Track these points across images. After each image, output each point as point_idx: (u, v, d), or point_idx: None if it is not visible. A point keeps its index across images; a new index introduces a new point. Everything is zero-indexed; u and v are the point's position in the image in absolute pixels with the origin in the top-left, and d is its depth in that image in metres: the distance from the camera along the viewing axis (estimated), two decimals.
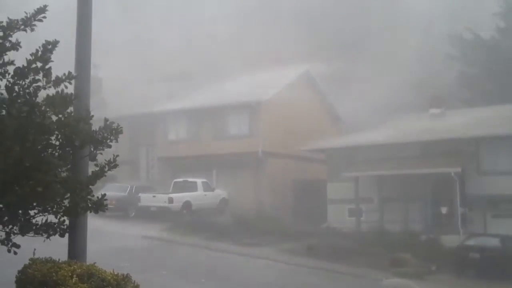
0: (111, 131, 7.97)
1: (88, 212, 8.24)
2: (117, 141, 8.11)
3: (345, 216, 30.68)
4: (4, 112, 7.26)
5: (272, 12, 50.69)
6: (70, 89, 8.01)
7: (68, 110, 7.83)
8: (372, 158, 30.30)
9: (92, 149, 8.09)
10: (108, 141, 8.01)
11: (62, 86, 7.68)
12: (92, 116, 8.08)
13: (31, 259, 8.19)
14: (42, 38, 7.78)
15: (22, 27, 7.44)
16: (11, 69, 7.51)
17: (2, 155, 6.98)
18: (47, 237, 8.02)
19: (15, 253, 7.69)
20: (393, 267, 23.10)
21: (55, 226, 8.04)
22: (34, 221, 7.95)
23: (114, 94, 42.85)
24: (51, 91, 7.63)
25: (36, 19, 7.47)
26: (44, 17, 7.48)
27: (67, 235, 8.39)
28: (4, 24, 7.37)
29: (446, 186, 27.83)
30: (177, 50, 50.02)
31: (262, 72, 38.57)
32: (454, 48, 47.50)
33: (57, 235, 8.16)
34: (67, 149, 7.87)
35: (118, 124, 8.09)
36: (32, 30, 7.46)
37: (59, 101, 7.51)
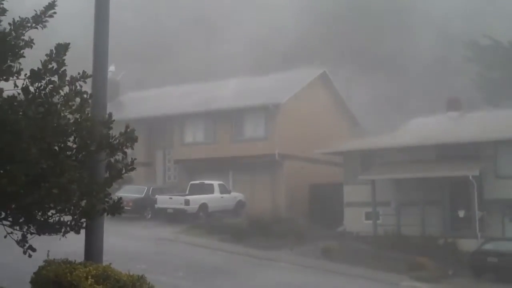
0: (127, 138, 8.02)
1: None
2: (132, 148, 8.15)
3: (362, 219, 30.50)
4: (20, 114, 7.24)
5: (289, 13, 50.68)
6: (87, 90, 8.06)
7: (85, 112, 7.88)
8: (389, 161, 30.12)
9: (107, 155, 8.12)
10: (124, 147, 8.05)
11: (77, 85, 7.73)
12: (113, 120, 8.07)
13: (45, 261, 8.24)
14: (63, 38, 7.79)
15: (34, 24, 7.47)
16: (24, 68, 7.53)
17: (19, 157, 7.00)
18: (63, 235, 8.06)
19: (30, 256, 7.73)
20: (410, 271, 22.97)
21: (71, 224, 8.06)
22: (51, 220, 8.00)
23: (131, 96, 43.07)
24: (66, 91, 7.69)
25: (47, 15, 7.51)
26: (54, 12, 7.51)
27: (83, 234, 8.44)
28: (16, 22, 7.36)
29: (464, 189, 27.61)
30: (193, 53, 50.16)
31: (279, 73, 38.51)
32: (472, 51, 47.16)
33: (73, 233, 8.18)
34: (84, 153, 7.90)
35: (134, 130, 8.14)
36: (44, 27, 7.49)
37: (74, 98, 7.55)
